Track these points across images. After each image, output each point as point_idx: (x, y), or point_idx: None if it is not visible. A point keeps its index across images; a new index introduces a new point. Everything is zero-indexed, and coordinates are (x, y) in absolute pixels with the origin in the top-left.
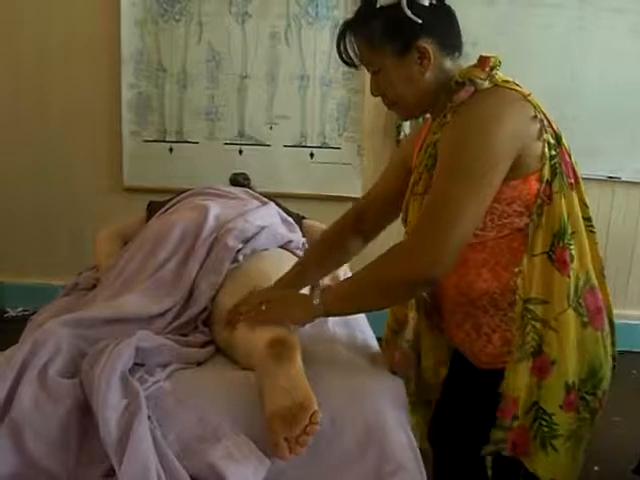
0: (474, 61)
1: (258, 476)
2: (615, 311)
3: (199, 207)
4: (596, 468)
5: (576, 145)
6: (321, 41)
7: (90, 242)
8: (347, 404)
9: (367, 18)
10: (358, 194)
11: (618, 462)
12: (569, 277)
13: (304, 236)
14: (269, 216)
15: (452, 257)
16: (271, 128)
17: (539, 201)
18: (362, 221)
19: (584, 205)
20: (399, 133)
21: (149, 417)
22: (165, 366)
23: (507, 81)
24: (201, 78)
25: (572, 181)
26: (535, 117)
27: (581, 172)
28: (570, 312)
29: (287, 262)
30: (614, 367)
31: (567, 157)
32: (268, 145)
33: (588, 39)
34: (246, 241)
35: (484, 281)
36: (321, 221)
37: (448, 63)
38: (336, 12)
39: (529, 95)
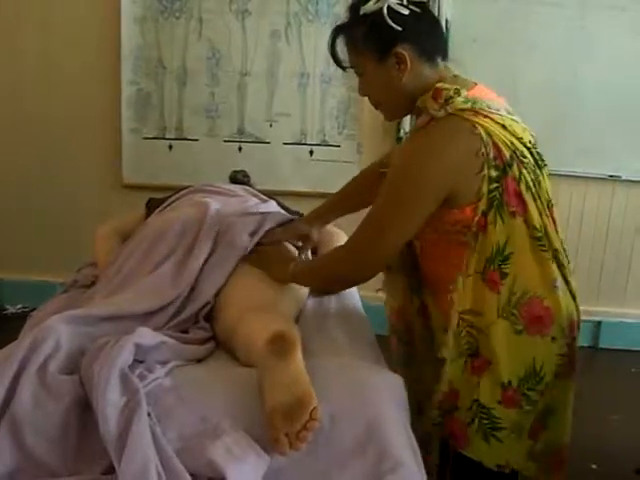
0: (476, 59)
1: (257, 472)
2: (614, 310)
3: (199, 204)
4: (594, 466)
5: (576, 144)
6: (321, 39)
7: (89, 239)
8: (347, 400)
9: (352, 24)
10: None
11: (616, 460)
12: (499, 293)
13: None
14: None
15: (379, 265)
16: (271, 125)
17: (474, 229)
18: None
19: (534, 228)
20: (399, 130)
21: (149, 414)
22: (165, 363)
23: (463, 109)
24: (201, 75)
25: (515, 209)
26: (478, 152)
27: (542, 190)
28: (500, 322)
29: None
30: (562, 363)
31: (514, 186)
32: (268, 142)
33: (589, 38)
34: (249, 236)
35: (453, 269)
36: None
37: (427, 69)
38: (336, 9)
39: (481, 124)
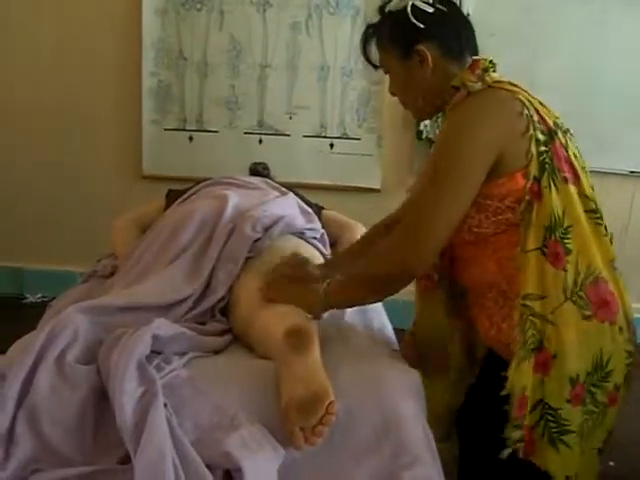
0: (494, 54)
1: (273, 465)
2: (635, 306)
3: (218, 196)
4: (611, 463)
5: (597, 139)
6: (342, 32)
7: (109, 229)
8: (364, 395)
9: (379, 22)
10: (378, 185)
11: (635, 457)
12: (564, 270)
13: (323, 227)
14: (288, 206)
15: (430, 254)
16: (291, 118)
17: (527, 197)
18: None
19: (586, 197)
20: (419, 124)
21: (165, 405)
22: (182, 354)
23: (500, 81)
24: (222, 67)
25: (567, 175)
26: (521, 114)
27: (585, 165)
28: (568, 305)
29: (307, 251)
30: (630, 364)
31: (562, 152)
32: (288, 135)
33: (609, 34)
34: (264, 230)
35: (490, 274)
36: (340, 212)
37: (454, 67)
38: (357, 2)
39: (520, 93)
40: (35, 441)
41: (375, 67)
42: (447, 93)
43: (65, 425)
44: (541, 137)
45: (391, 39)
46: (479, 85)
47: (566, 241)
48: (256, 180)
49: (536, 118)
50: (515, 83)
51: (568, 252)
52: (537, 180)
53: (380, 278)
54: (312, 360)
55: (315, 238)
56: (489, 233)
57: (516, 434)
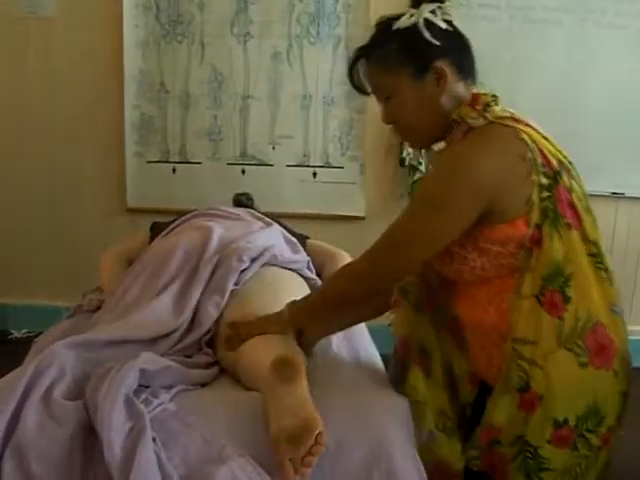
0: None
1: None
2: None
3: (202, 228)
4: None
5: (579, 161)
6: (323, 60)
7: (94, 263)
8: (352, 424)
9: (383, 42)
10: (362, 213)
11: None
12: (561, 319)
13: (308, 256)
14: (273, 237)
15: (391, 277)
16: (274, 148)
17: (527, 244)
18: None
19: (588, 242)
20: (402, 151)
21: (154, 439)
22: (170, 387)
23: (502, 117)
24: (203, 98)
25: (570, 221)
26: (524, 158)
27: (589, 204)
28: (562, 352)
29: (290, 282)
30: (624, 403)
31: (566, 195)
32: (271, 165)
33: (590, 55)
34: (250, 262)
35: (491, 317)
36: (325, 240)
37: (461, 88)
38: (338, 31)
39: (524, 131)
40: (23, 478)
41: (364, 93)
42: (448, 120)
43: (53, 462)
44: (544, 181)
45: (401, 57)
46: (480, 121)
47: (566, 289)
48: (240, 211)
49: (540, 160)
50: (517, 117)
51: (567, 300)
52: (538, 227)
53: (349, 292)
54: (300, 390)
55: (303, 268)
56: (492, 276)
57: (473, 452)
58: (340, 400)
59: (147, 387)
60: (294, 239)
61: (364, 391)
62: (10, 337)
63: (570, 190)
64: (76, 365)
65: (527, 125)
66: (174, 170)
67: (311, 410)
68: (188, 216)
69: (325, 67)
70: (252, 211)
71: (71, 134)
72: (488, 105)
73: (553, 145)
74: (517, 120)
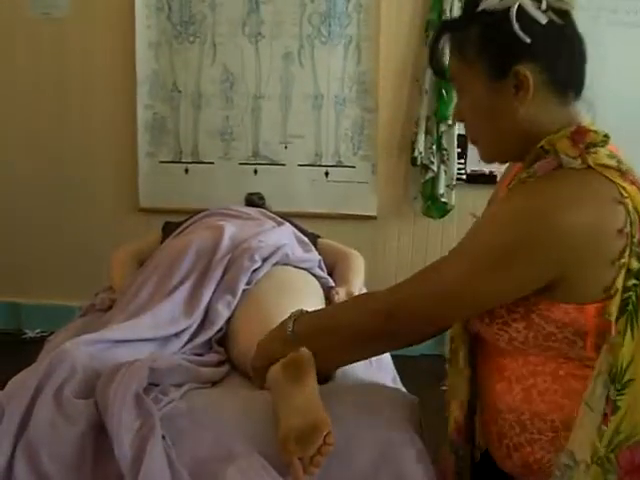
0: None
1: None
2: None
3: (214, 228)
4: None
5: None
6: (334, 60)
7: (107, 262)
8: (361, 424)
9: (465, 22)
10: (374, 212)
11: None
12: (603, 428)
13: (320, 255)
14: (284, 236)
15: (413, 329)
16: (286, 147)
17: (598, 341)
18: None
19: None
20: (413, 151)
21: (163, 437)
22: (180, 386)
23: (607, 166)
24: (215, 99)
25: None
26: (621, 231)
27: None
28: (593, 468)
29: (302, 281)
30: None
31: None
32: (283, 164)
33: (602, 54)
34: (262, 261)
35: (514, 398)
36: (337, 240)
37: (555, 105)
38: (349, 30)
39: (628, 193)
40: (34, 477)
41: (442, 77)
42: (533, 141)
43: (64, 460)
44: (635, 265)
45: (480, 49)
46: (577, 163)
47: (618, 398)
48: (252, 210)
49: (637, 236)
50: (624, 169)
51: (616, 410)
52: (615, 321)
53: (348, 317)
54: (309, 391)
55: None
56: (533, 353)
57: None
58: (349, 399)
59: (157, 385)
60: (306, 238)
61: (374, 391)
62: (24, 336)
63: None
64: (87, 364)
65: (633, 183)
66: (187, 170)
67: (320, 410)
68: (200, 216)
69: (336, 67)
70: (264, 210)
71: (84, 134)
72: (594, 145)
73: None
74: (623, 174)
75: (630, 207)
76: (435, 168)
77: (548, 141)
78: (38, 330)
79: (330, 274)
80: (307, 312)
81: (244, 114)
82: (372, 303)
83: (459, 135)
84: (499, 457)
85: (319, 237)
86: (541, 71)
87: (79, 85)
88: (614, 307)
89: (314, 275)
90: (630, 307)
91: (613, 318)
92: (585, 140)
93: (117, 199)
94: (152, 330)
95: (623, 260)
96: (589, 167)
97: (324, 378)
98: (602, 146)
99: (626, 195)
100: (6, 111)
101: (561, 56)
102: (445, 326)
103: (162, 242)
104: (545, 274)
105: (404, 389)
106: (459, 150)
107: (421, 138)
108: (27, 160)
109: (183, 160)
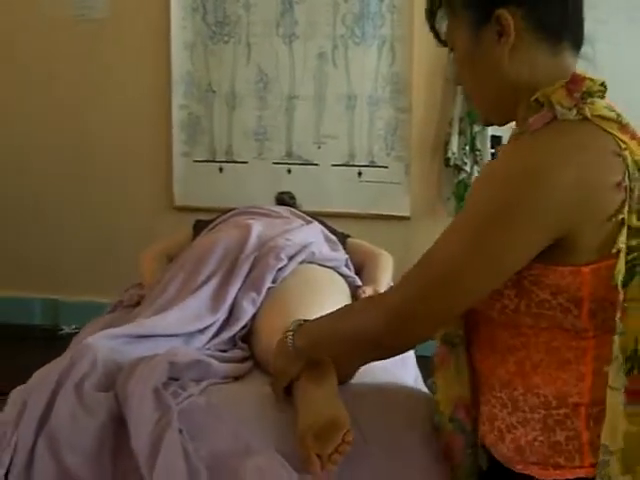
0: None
1: None
2: None
3: (242, 226)
4: None
5: None
6: (368, 61)
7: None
8: (378, 423)
9: None
10: (407, 213)
11: None
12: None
13: (349, 255)
14: (312, 235)
15: (428, 323)
16: (319, 147)
17: (603, 310)
18: None
19: None
20: (447, 151)
21: (181, 431)
22: (199, 381)
23: (605, 118)
24: (250, 99)
25: None
26: (619, 184)
27: None
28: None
29: (328, 279)
30: None
31: None
32: (316, 164)
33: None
34: (288, 259)
35: (507, 372)
36: (369, 240)
37: (543, 55)
38: (383, 31)
39: (628, 146)
40: (55, 467)
41: (440, 41)
42: (525, 96)
43: (84, 452)
44: (636, 223)
45: (464, 1)
46: (573, 114)
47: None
48: (281, 209)
49: (638, 192)
50: (625, 122)
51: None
52: (623, 286)
53: (356, 337)
54: (329, 389)
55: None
56: (525, 323)
57: None
58: (367, 400)
59: (177, 380)
60: (334, 237)
61: (392, 391)
62: (61, 332)
63: None
64: (109, 357)
65: (634, 138)
66: (221, 169)
67: (339, 408)
68: (230, 214)
69: (370, 67)
70: (294, 209)
71: (121, 135)
72: (590, 95)
73: None
74: (623, 127)
75: (629, 160)
76: (468, 169)
77: (543, 93)
78: (74, 326)
79: (359, 274)
80: (306, 322)
81: (278, 114)
82: (372, 307)
83: (492, 136)
84: (491, 442)
85: (349, 237)
86: (525, 16)
87: (114, 86)
88: (619, 270)
89: (341, 274)
90: (638, 269)
91: (619, 281)
92: (580, 88)
93: (152, 198)
94: (177, 326)
95: (621, 216)
96: (585, 118)
97: (342, 380)
98: (600, 97)
99: (625, 147)
100: (45, 110)
101: (550, 1)
102: (457, 311)
103: (193, 240)
104: (545, 236)
105: (425, 389)
106: (492, 151)
107: (454, 139)
108: (63, 160)
109: (217, 159)
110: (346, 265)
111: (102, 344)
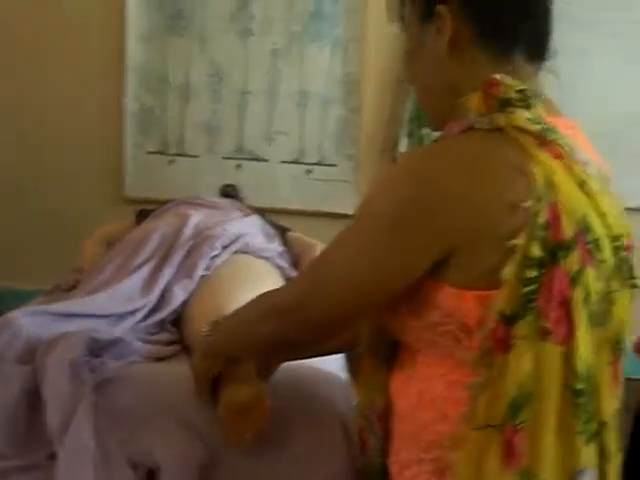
0: None
1: (195, 463)
2: None
3: (181, 215)
4: None
5: None
6: (322, 59)
7: None
8: (299, 402)
9: None
10: (352, 211)
11: None
12: (512, 475)
13: (287, 248)
14: (248, 226)
15: (319, 322)
16: (270, 144)
17: (488, 344)
18: None
19: (576, 374)
20: (395, 152)
21: (96, 405)
22: (121, 358)
23: (522, 129)
24: (203, 92)
25: (550, 327)
26: (514, 205)
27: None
28: None
29: (260, 270)
30: None
31: (563, 285)
32: (266, 160)
33: (585, 65)
34: (222, 248)
35: (408, 402)
36: (318, 238)
37: (485, 60)
38: (337, 31)
39: (544, 163)
40: None
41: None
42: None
43: None
44: (536, 253)
45: None
46: (484, 122)
47: (518, 424)
48: (223, 201)
49: (545, 217)
50: (552, 137)
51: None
52: (510, 322)
53: (247, 319)
54: (250, 367)
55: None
56: (425, 349)
57: None
58: (287, 375)
59: (99, 357)
60: (272, 230)
61: (311, 370)
62: None
63: (573, 280)
64: (33, 331)
65: (558, 157)
66: (172, 162)
67: (259, 383)
68: (171, 204)
69: (323, 66)
70: (236, 202)
71: (71, 124)
72: (508, 103)
73: (594, 202)
74: (544, 143)
75: (538, 181)
76: None
77: (468, 98)
78: None
79: (295, 265)
80: (220, 321)
81: (230, 109)
82: (266, 305)
83: None
84: (394, 473)
85: (289, 230)
86: (468, 18)
87: (66, 76)
88: (503, 300)
89: (275, 266)
90: (530, 304)
91: (496, 314)
92: (496, 94)
93: (102, 188)
94: (107, 306)
95: (515, 241)
96: (496, 130)
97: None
98: (525, 105)
99: (538, 165)
100: None
101: (500, 5)
102: (350, 318)
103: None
104: (428, 244)
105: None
106: None
107: (403, 140)
108: (9, 145)
109: (169, 152)
110: (281, 257)
111: (28, 320)
